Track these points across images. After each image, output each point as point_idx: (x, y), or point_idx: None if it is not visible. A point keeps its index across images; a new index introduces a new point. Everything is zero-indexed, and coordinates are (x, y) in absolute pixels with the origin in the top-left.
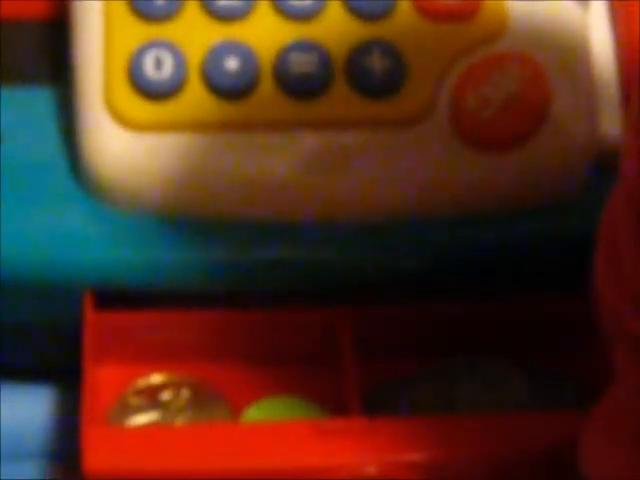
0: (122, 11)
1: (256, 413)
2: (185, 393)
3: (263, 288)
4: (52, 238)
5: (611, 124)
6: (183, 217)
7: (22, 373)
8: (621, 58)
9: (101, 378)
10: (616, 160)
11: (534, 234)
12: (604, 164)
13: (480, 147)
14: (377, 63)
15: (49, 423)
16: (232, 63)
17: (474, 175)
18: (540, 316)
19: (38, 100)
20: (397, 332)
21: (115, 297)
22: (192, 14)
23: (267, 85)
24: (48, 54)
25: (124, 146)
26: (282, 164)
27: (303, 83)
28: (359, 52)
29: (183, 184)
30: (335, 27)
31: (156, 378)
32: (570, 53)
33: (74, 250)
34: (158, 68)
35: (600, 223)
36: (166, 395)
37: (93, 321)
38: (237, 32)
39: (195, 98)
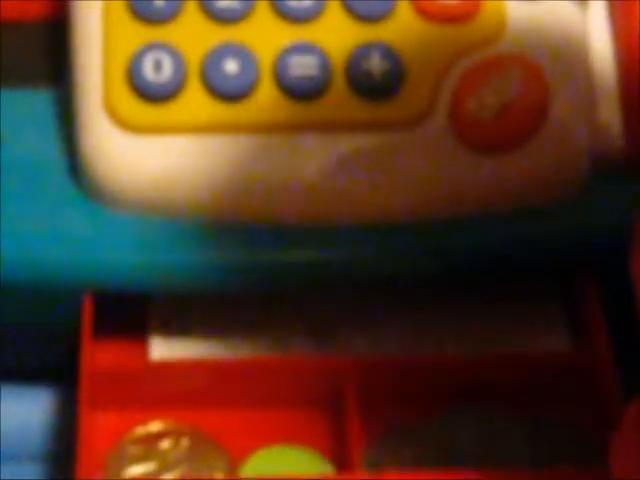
0: (121, 13)
1: (256, 462)
2: (184, 442)
3: (263, 289)
4: (51, 240)
5: (610, 124)
6: (182, 219)
7: (22, 373)
8: (621, 58)
9: (98, 425)
10: (615, 160)
11: (534, 234)
12: (604, 164)
13: (479, 149)
14: (376, 65)
15: (49, 423)
16: (232, 65)
17: (473, 177)
18: (540, 364)
19: (38, 101)
20: (399, 381)
21: (115, 298)
22: (191, 16)
23: (266, 87)
24: (48, 54)
25: (123, 148)
26: (281, 166)
27: (302, 85)
28: (358, 54)
29: (182, 186)
30: (334, 29)
31: (154, 426)
32: (569, 54)
33: (73, 252)
34: (157, 70)
35: (635, 223)
36: (165, 444)
37: (90, 367)
38: (237, 34)
39: (194, 100)
